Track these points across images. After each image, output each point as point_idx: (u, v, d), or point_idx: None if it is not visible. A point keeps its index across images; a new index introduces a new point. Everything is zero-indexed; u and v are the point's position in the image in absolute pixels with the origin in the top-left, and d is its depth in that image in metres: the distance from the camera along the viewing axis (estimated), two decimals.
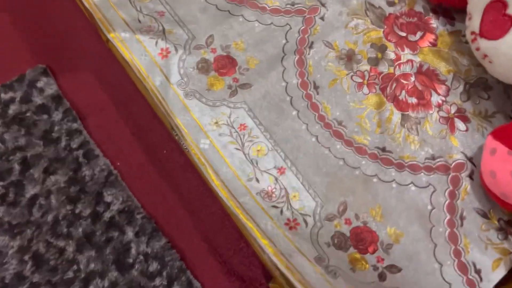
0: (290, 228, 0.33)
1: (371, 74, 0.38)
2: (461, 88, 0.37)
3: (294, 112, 0.37)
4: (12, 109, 0.67)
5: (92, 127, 0.66)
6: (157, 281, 0.54)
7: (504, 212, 0.33)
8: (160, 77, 0.38)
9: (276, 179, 0.34)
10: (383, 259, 0.32)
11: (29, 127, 0.65)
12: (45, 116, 0.66)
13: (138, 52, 0.38)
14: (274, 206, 0.34)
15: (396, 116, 0.36)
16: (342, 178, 0.34)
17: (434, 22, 0.40)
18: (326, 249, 0.32)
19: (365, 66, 0.38)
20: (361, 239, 0.33)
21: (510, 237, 0.33)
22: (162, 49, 0.38)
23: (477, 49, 0.34)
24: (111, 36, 0.39)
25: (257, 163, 0.35)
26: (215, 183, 0.34)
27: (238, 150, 0.35)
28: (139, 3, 0.41)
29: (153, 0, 0.41)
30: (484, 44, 0.33)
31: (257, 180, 0.34)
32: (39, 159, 0.63)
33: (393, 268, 0.32)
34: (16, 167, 0.63)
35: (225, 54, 0.39)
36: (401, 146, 0.35)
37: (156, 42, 0.39)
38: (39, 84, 0.68)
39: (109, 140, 0.64)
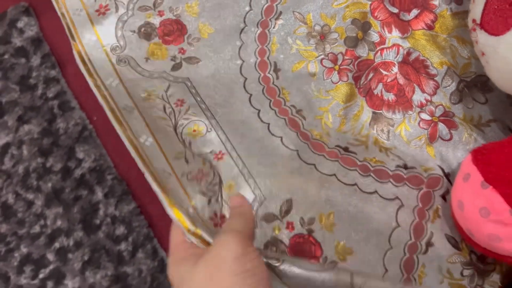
0: (215, 225, 0.28)
1: (346, 57, 0.31)
2: (453, 86, 0.30)
3: (246, 96, 0.31)
4: None
5: (71, 75, 0.62)
6: (122, 246, 0.53)
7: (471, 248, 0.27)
8: (91, 35, 0.32)
9: (211, 164, 0.29)
10: None
11: (6, 70, 0.62)
12: (23, 60, 0.62)
13: (72, 2, 0.33)
14: (201, 193, 0.29)
15: (366, 114, 0.30)
16: (293, 172, 0.29)
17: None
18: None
19: (340, 48, 0.31)
20: (301, 251, 0.28)
21: (476, 275, 0.27)
22: (101, 6, 0.33)
23: (476, 42, 0.26)
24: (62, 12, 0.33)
25: (190, 144, 0.30)
26: (135, 152, 0.29)
27: (169, 128, 0.30)
28: None
29: None
30: (483, 39, 0.25)
31: (186, 161, 0.29)
32: (14, 106, 0.60)
33: None
34: None
35: (174, 18, 0.33)
36: (367, 151, 0.29)
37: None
38: (19, 25, 0.64)
39: (88, 91, 0.60)
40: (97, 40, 0.32)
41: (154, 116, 0.30)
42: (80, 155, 0.57)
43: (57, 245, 0.54)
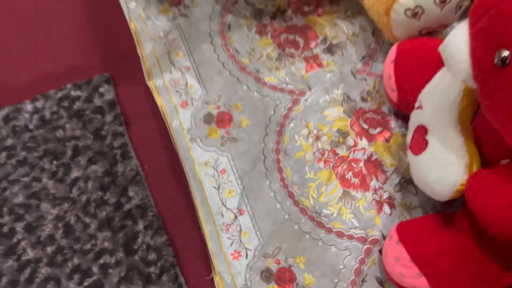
0: (234, 257, 0.44)
1: (330, 153, 0.48)
2: (397, 180, 0.47)
3: (264, 170, 0.48)
4: (77, 105, 0.84)
5: (133, 132, 0.81)
6: (152, 269, 0.68)
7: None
8: (177, 121, 0.51)
9: (236, 217, 0.46)
10: None
11: (85, 122, 0.82)
12: (99, 116, 0.82)
13: (166, 99, 0.52)
14: (228, 238, 0.46)
15: (339, 191, 0.47)
16: (284, 229, 0.45)
17: (393, 123, 0.50)
18: (253, 279, 0.43)
19: (327, 146, 0.49)
20: (283, 277, 0.44)
21: None
22: (184, 101, 0.52)
23: (406, 155, 0.43)
24: (149, 83, 0.53)
25: (225, 202, 0.47)
26: (197, 205, 0.47)
27: (215, 189, 0.48)
28: (174, 58, 0.54)
29: (184, 57, 0.54)
30: (410, 155, 0.42)
31: (221, 215, 0.46)
32: (87, 150, 0.79)
33: None
34: (69, 152, 0.79)
35: (225, 110, 0.51)
36: (334, 215, 0.46)
37: (180, 95, 0.52)
38: (101, 90, 0.84)
39: (143, 146, 0.79)
40: (180, 126, 0.50)
41: (208, 182, 0.47)
42: (131, 193, 0.74)
43: (101, 261, 0.71)
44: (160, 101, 0.52)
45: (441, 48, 0.35)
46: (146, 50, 0.55)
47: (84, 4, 0.94)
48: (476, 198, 0.35)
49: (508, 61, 0.29)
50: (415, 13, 0.45)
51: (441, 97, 0.41)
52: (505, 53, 0.29)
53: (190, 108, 0.51)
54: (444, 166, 0.38)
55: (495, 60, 0.30)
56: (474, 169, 0.38)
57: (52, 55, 0.90)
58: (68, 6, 0.93)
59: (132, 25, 0.57)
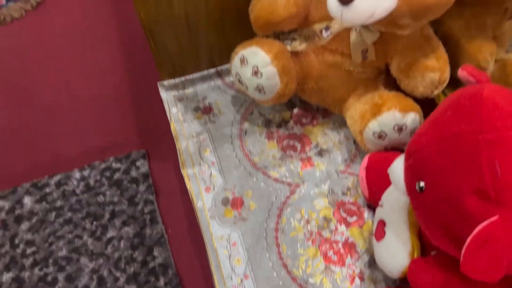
0: None
1: (316, 235, 0.64)
2: (367, 259, 0.62)
3: (265, 244, 0.64)
4: (116, 176, 1.01)
5: (162, 201, 0.97)
6: None
7: None
8: (201, 202, 0.68)
9: (242, 280, 0.61)
10: None
11: (123, 190, 0.99)
12: (134, 186, 0.99)
13: (195, 184, 0.69)
14: None
15: (322, 265, 0.61)
16: None
17: (366, 214, 0.65)
18: None
19: (314, 229, 0.64)
20: None
21: None
22: (207, 187, 0.69)
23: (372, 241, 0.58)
24: (182, 171, 0.70)
25: (234, 268, 0.62)
26: (212, 269, 0.62)
27: (227, 258, 0.63)
28: (203, 154, 0.72)
29: (211, 153, 0.72)
30: (373, 241, 0.58)
31: (231, 279, 0.61)
32: (122, 214, 0.95)
33: None
34: (107, 215, 0.96)
35: (239, 196, 0.68)
36: (317, 284, 0.60)
37: (205, 182, 0.69)
38: (138, 163, 1.02)
39: (169, 213, 0.95)
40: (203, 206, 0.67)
41: (222, 251, 0.63)
42: (156, 253, 0.89)
43: None
44: (189, 185, 0.69)
45: (389, 171, 0.51)
46: (182, 145, 0.73)
47: (128, 92, 1.15)
48: (413, 279, 0.50)
49: (424, 189, 0.45)
50: (380, 136, 0.63)
51: (395, 200, 0.57)
52: (422, 184, 0.45)
53: (212, 192, 0.68)
54: (394, 253, 0.54)
55: (417, 187, 0.46)
56: (415, 256, 0.53)
57: (100, 132, 1.10)
58: (115, 92, 1.14)
59: (172, 125, 0.75)
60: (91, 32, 1.23)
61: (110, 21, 1.24)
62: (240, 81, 0.68)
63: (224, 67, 0.78)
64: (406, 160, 0.48)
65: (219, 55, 0.76)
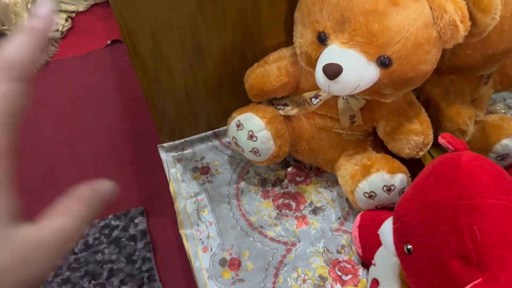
0: None
1: None
2: None
3: None
4: (115, 233, 1.03)
5: (159, 259, 0.98)
6: None
7: None
8: (199, 262, 0.69)
9: None
10: None
11: (121, 248, 1.00)
12: (132, 243, 1.00)
13: (192, 245, 0.71)
14: None
15: None
16: None
17: (360, 271, 0.67)
18: None
19: None
20: None
21: None
22: (205, 247, 0.71)
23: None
24: (180, 231, 0.72)
25: None
26: None
27: None
28: (201, 214, 0.74)
29: (208, 214, 0.74)
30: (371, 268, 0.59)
31: None
32: (120, 272, 0.96)
33: None
34: (105, 273, 0.96)
35: (236, 257, 0.69)
36: None
37: (203, 242, 0.71)
38: (136, 221, 1.04)
39: (166, 270, 0.96)
40: (201, 266, 0.68)
41: None
42: None
43: None
44: (187, 245, 0.71)
45: (379, 232, 0.54)
46: (180, 205, 0.76)
47: (128, 151, 1.19)
48: None
49: (411, 251, 0.48)
50: (371, 196, 0.66)
51: (387, 260, 0.59)
52: (409, 246, 0.48)
53: (209, 253, 0.69)
54: None
55: (405, 249, 0.48)
56: None
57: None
58: (116, 152, 1.18)
59: (171, 186, 0.78)
60: (93, 94, 1.29)
61: (112, 84, 1.30)
62: (236, 144, 0.72)
63: (221, 128, 0.82)
64: (394, 223, 0.51)
65: (216, 119, 0.81)
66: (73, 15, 1.45)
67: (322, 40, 0.59)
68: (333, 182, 0.77)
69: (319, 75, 0.58)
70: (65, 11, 1.43)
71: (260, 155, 0.70)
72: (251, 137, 0.69)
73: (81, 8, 1.46)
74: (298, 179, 0.78)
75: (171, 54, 0.66)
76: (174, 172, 0.80)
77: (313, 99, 0.67)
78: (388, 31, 0.54)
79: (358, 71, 0.56)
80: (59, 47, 1.40)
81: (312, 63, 0.62)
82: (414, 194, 0.49)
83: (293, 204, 0.75)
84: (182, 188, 0.78)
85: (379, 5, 0.54)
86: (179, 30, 0.63)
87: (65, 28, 1.41)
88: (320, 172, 0.79)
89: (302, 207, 0.74)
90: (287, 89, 0.70)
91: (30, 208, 0.94)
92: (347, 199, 0.75)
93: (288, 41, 0.72)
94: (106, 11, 1.50)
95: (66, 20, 1.42)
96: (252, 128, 0.68)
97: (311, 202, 0.75)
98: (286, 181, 0.78)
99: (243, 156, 0.74)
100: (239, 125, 0.70)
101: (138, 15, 0.59)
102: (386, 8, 0.54)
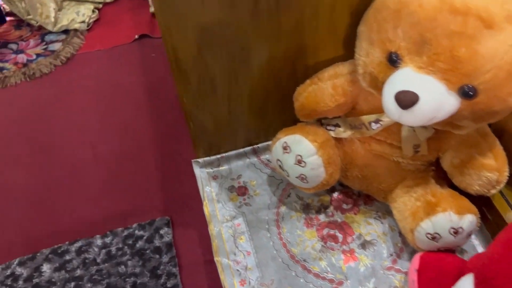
0: None
1: None
2: None
3: None
4: (139, 244, 0.97)
5: (185, 274, 0.93)
6: None
7: None
8: None
9: None
10: None
11: (145, 261, 0.94)
12: (157, 256, 0.95)
13: (228, 276, 0.64)
14: None
15: None
16: None
17: None
18: None
19: None
20: None
21: None
22: (242, 280, 0.64)
23: None
24: (216, 259, 0.66)
25: None
26: None
27: None
28: (238, 241, 0.68)
29: (246, 242, 0.68)
30: None
31: None
32: (143, 287, 0.91)
33: None
34: (128, 287, 0.91)
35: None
36: None
37: (240, 274, 0.65)
38: (161, 232, 0.98)
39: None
40: None
41: None
42: None
43: None
44: (222, 276, 0.65)
45: None
46: (215, 230, 0.69)
47: (154, 155, 1.12)
48: None
49: None
50: (434, 237, 0.58)
51: None
52: None
53: (247, 287, 0.63)
54: None
55: None
56: None
57: (124, 195, 1.07)
58: (141, 155, 1.12)
59: (205, 206, 0.72)
60: (119, 92, 1.22)
61: (139, 82, 1.24)
62: (281, 167, 0.65)
63: (261, 145, 0.75)
64: (477, 284, 0.44)
65: (256, 134, 0.74)
66: (100, 6, 1.39)
67: (393, 61, 0.51)
68: (384, 212, 0.70)
69: (389, 102, 0.50)
70: (92, 2, 1.36)
71: (307, 182, 0.63)
72: (300, 162, 0.61)
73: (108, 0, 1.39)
74: (345, 206, 0.71)
75: (216, 67, 0.58)
76: (209, 190, 0.73)
77: (372, 124, 0.60)
78: (477, 58, 0.46)
79: (436, 101, 0.48)
80: (85, 39, 1.34)
81: (377, 86, 0.54)
82: (505, 256, 0.42)
83: (340, 236, 0.68)
84: (218, 209, 0.71)
85: (468, 26, 0.45)
86: (228, 43, 0.56)
87: (91, 20, 1.34)
88: (370, 200, 0.71)
89: (349, 239, 0.67)
90: (342, 110, 0.63)
91: (50, 210, 0.86)
92: (399, 233, 0.67)
93: (345, 56, 0.64)
94: (133, 3, 1.43)
95: (93, 11, 1.36)
96: (301, 152, 0.61)
97: (360, 235, 0.68)
98: (331, 208, 0.71)
99: (285, 178, 0.68)
100: (286, 148, 0.62)
101: (185, 29, 0.52)
102: (476, 30, 0.45)
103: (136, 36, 1.33)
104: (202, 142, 0.71)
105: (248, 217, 0.70)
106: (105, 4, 1.41)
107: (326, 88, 0.61)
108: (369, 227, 0.68)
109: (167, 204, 1.06)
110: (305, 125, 0.65)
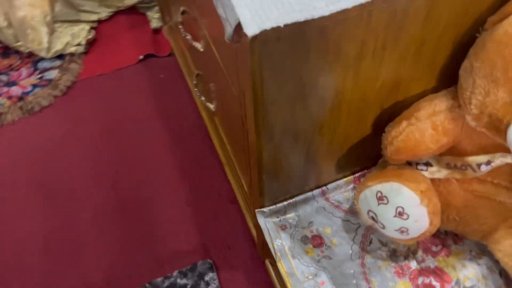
0: None
1: None
2: None
3: None
4: None
5: None
6: None
7: None
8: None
9: None
10: None
11: None
12: None
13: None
14: None
15: None
16: None
17: None
18: None
19: None
20: None
21: None
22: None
23: None
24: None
25: None
26: None
27: None
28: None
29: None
30: None
31: None
32: None
33: None
34: None
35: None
36: None
37: None
38: (206, 278, 0.90)
39: None
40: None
41: None
42: None
43: None
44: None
45: None
46: None
47: (180, 185, 1.02)
48: None
49: None
50: None
51: None
52: None
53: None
54: None
55: None
56: None
57: (157, 239, 0.97)
58: (165, 187, 1.02)
59: (280, 264, 0.63)
60: (130, 120, 1.10)
61: (151, 108, 1.11)
62: (374, 219, 0.57)
63: (329, 185, 0.68)
64: None
65: (327, 175, 0.66)
66: (96, 24, 1.26)
67: None
68: (477, 251, 0.64)
69: None
70: (87, 21, 1.23)
71: (408, 234, 0.56)
72: (401, 214, 0.54)
73: (103, 16, 1.26)
74: (434, 248, 0.64)
75: (305, 118, 0.50)
76: (279, 244, 0.65)
77: (482, 166, 0.53)
78: None
79: None
80: (84, 63, 1.21)
81: (499, 128, 0.47)
82: None
83: (437, 285, 0.61)
84: (295, 266, 0.63)
85: None
86: (321, 91, 0.47)
87: (88, 41, 1.21)
88: (459, 239, 0.65)
89: (448, 287, 0.61)
90: (441, 150, 0.56)
91: (74, 262, 0.74)
92: (500, 274, 0.62)
93: (436, 88, 0.57)
94: (131, 19, 1.30)
95: (89, 31, 1.22)
96: (403, 204, 0.54)
97: (458, 281, 0.61)
98: (420, 252, 0.64)
99: (360, 219, 0.61)
100: (381, 198, 0.55)
101: (281, 82, 0.43)
102: None
103: (141, 57, 1.21)
104: (269, 191, 0.63)
105: (331, 273, 0.62)
106: (100, 22, 1.28)
107: (425, 129, 0.53)
108: (466, 271, 0.62)
109: (207, 245, 0.96)
110: (397, 168, 0.58)
